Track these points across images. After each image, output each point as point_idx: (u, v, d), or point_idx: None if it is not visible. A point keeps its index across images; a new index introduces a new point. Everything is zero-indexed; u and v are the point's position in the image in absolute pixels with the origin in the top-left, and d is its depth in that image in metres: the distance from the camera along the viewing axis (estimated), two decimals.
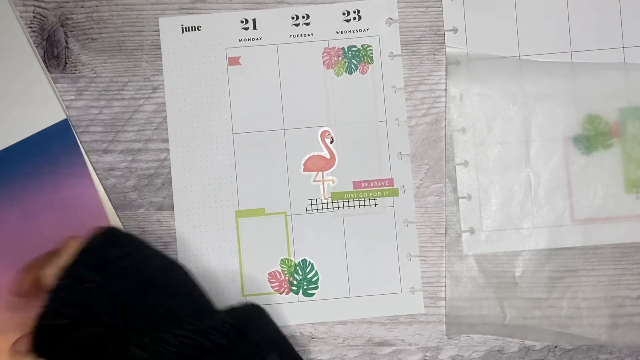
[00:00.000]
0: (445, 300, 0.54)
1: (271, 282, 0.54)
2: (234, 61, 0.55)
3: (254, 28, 0.55)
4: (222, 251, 0.54)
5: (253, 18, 0.55)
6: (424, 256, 0.55)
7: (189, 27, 0.55)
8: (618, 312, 0.54)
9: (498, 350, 0.54)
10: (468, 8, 0.55)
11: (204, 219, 0.54)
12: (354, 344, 0.54)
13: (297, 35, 0.55)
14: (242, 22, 0.55)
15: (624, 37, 0.55)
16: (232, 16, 0.55)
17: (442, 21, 0.55)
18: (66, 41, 0.54)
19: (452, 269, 0.54)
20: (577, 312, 0.54)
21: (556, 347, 0.54)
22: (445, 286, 0.54)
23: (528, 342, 0.54)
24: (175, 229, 0.54)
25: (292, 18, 0.55)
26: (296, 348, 0.54)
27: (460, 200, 0.55)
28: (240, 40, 0.55)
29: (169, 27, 0.55)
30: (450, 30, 0.55)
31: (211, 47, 0.55)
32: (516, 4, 0.55)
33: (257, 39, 0.55)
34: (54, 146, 0.53)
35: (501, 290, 0.54)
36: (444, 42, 0.55)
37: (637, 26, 0.55)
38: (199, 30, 0.55)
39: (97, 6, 0.55)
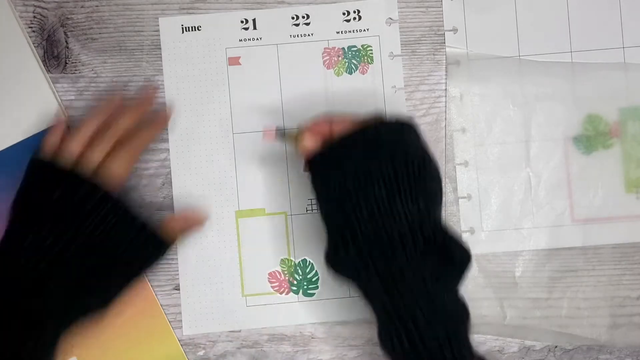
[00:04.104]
0: None
1: (271, 282, 0.54)
2: (234, 61, 0.55)
3: (254, 28, 0.55)
4: (222, 251, 0.54)
5: (253, 18, 0.55)
6: None
7: (189, 27, 0.55)
8: (618, 312, 0.54)
9: (498, 350, 0.54)
10: (468, 8, 0.55)
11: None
12: (354, 344, 0.54)
13: (297, 35, 0.55)
14: (242, 22, 0.55)
15: (624, 37, 0.55)
16: (232, 16, 0.55)
17: (442, 21, 0.55)
18: (66, 41, 0.54)
19: None
20: (577, 312, 0.54)
21: (556, 347, 0.54)
22: None
23: (528, 342, 0.54)
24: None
25: (292, 18, 0.55)
26: (296, 348, 0.54)
27: (460, 200, 0.55)
28: (241, 40, 0.55)
29: (169, 27, 0.55)
30: (450, 30, 0.55)
31: (211, 47, 0.55)
32: (516, 4, 0.55)
33: (257, 39, 0.55)
34: None
35: (501, 290, 0.54)
36: (444, 42, 0.55)
37: (637, 26, 0.55)
38: (199, 30, 0.55)
39: (97, 6, 0.55)
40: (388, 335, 0.42)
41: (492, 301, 0.54)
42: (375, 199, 0.41)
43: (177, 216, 0.53)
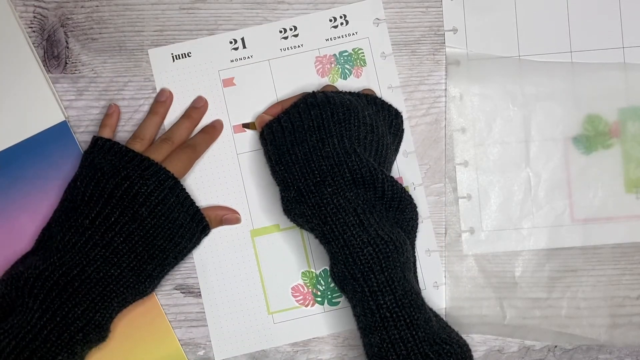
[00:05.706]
0: (445, 300, 0.54)
1: (295, 297, 0.54)
2: (228, 82, 0.55)
3: (244, 47, 0.55)
4: (242, 272, 0.54)
5: (242, 37, 0.55)
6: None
7: (179, 55, 0.54)
8: (618, 312, 0.54)
9: (498, 350, 0.54)
10: (468, 8, 0.55)
11: (220, 242, 0.54)
12: (354, 344, 0.54)
13: (288, 48, 0.55)
14: (231, 42, 0.55)
15: (624, 37, 0.55)
16: (220, 38, 0.54)
17: (442, 21, 0.55)
18: (66, 41, 0.54)
19: (452, 269, 0.54)
20: (577, 312, 0.54)
21: (556, 347, 0.54)
22: (445, 286, 0.54)
23: (528, 342, 0.54)
24: (192, 257, 0.54)
25: (280, 32, 0.55)
26: (296, 348, 0.54)
27: (460, 200, 0.55)
28: (232, 61, 0.55)
29: (159, 57, 0.54)
30: (450, 30, 0.55)
31: (204, 71, 0.54)
32: (516, 4, 0.55)
33: (249, 57, 0.55)
34: (53, 148, 0.53)
35: (501, 290, 0.54)
36: (444, 42, 0.55)
37: (637, 26, 0.55)
38: (189, 56, 0.54)
39: (97, 6, 0.55)
40: (334, 266, 0.45)
41: (492, 301, 0.54)
42: (308, 145, 0.47)
43: (218, 206, 0.54)
